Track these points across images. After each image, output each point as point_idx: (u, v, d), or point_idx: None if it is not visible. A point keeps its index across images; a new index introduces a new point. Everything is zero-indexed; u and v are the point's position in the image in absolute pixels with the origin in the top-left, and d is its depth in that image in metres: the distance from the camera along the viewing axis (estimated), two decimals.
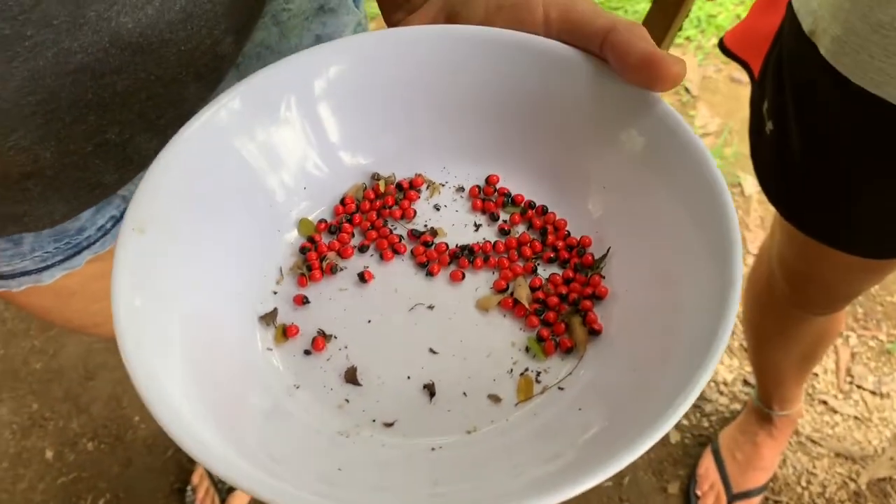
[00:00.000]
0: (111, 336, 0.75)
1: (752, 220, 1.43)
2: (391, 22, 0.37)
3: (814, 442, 1.18)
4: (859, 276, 0.78)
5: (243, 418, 0.28)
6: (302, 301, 0.33)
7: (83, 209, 0.49)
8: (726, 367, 1.27)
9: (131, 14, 0.35)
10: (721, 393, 1.24)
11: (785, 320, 0.94)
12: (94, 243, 0.57)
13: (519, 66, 0.33)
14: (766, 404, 1.11)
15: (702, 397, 1.24)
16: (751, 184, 1.46)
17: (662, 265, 0.30)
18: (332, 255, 0.34)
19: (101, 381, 1.30)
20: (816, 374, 1.25)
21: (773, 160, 0.74)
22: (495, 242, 0.35)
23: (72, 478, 1.21)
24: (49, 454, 1.23)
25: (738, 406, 1.22)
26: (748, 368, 1.25)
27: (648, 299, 0.30)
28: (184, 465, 1.21)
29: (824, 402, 1.22)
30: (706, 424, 1.21)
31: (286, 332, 0.32)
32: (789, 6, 0.67)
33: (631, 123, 0.31)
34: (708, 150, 0.29)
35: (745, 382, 1.25)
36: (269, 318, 0.32)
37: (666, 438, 1.19)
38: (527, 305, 0.33)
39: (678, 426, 1.21)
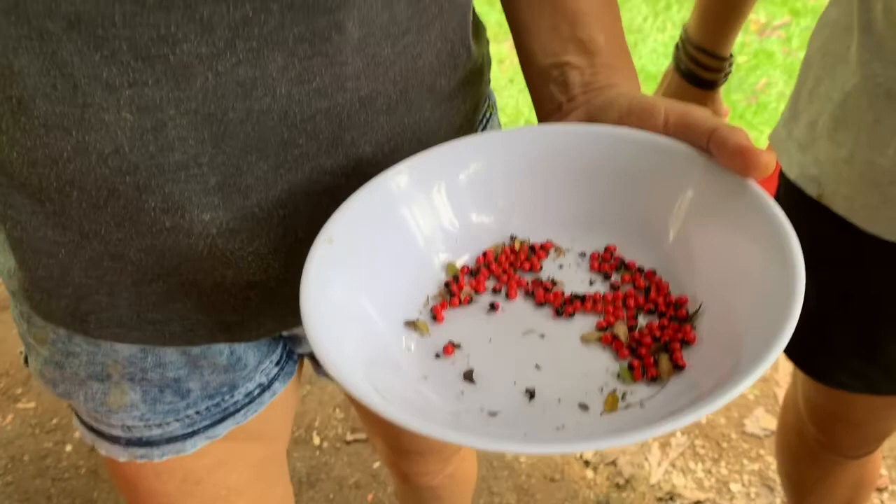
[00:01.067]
0: None
1: (782, 377, 1.49)
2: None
3: None
4: (891, 412, 0.80)
5: (389, 389, 0.36)
6: (441, 319, 0.42)
7: (288, 328, 0.54)
8: None
9: (373, 145, 0.43)
10: None
11: (819, 467, 0.93)
12: (238, 410, 0.59)
13: (641, 158, 0.41)
14: None
15: None
16: None
17: (740, 321, 0.36)
18: (468, 289, 0.43)
19: None
20: None
21: None
22: (604, 294, 0.42)
23: None
24: None
25: None
26: None
27: (722, 348, 0.36)
28: None
29: None
30: None
31: (422, 332, 0.41)
32: (782, 177, 0.72)
33: (729, 205, 0.38)
34: (787, 221, 0.35)
35: None
36: (412, 324, 0.41)
37: None
38: (624, 341, 0.39)
39: None
